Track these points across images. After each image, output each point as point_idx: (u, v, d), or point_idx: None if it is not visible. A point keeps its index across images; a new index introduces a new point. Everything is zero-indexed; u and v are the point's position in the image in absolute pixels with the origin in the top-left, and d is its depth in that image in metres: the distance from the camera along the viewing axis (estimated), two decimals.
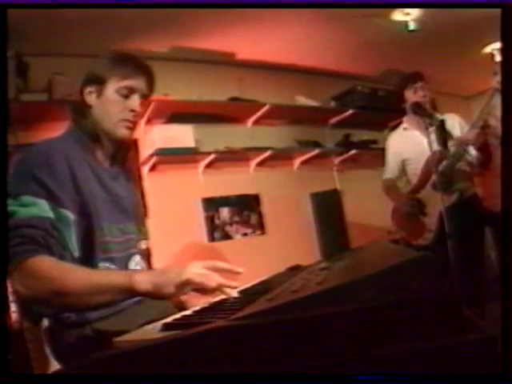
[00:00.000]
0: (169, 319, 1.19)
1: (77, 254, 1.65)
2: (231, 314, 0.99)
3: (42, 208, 1.57)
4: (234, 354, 0.79)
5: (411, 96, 3.93)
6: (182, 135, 4.64)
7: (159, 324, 1.10)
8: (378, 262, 1.23)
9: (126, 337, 1.06)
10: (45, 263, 1.51)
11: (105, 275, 1.57)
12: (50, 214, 1.58)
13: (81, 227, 1.68)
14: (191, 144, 4.69)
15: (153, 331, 1.07)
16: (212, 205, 4.99)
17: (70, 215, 1.64)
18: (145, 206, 4.22)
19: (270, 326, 0.80)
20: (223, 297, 1.50)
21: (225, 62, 5.22)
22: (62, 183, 1.64)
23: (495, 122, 3.39)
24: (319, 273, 1.36)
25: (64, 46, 4.10)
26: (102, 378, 0.86)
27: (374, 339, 0.76)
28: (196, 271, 1.46)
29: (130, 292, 1.49)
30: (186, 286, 1.45)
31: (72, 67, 4.02)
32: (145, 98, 1.90)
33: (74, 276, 1.52)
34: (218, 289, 1.48)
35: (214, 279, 1.46)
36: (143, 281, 1.47)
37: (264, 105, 5.13)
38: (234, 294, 1.45)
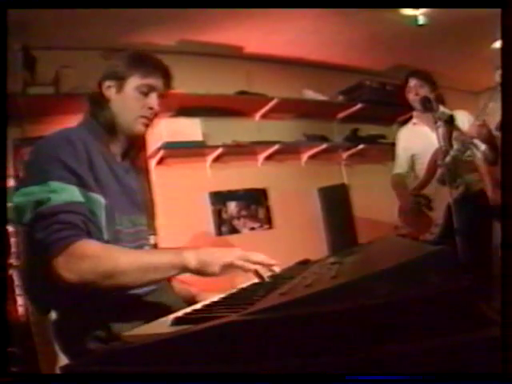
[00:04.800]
0: (179, 313, 1.17)
1: (106, 237, 1.67)
2: (243, 308, 0.97)
3: (74, 193, 1.59)
4: (246, 350, 0.77)
5: (411, 95, 3.99)
6: (190, 129, 4.63)
7: (169, 318, 1.08)
8: (392, 257, 1.21)
9: (135, 331, 1.05)
10: (92, 246, 1.55)
11: (155, 254, 1.71)
12: (82, 199, 1.60)
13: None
14: (199, 137, 4.68)
15: (163, 325, 1.05)
16: (219, 199, 4.98)
17: (102, 199, 1.67)
18: (152, 200, 4.22)
19: (284, 321, 0.78)
20: (233, 291, 1.52)
21: (233, 55, 5.20)
22: (85, 167, 1.65)
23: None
24: (331, 267, 1.34)
25: (71, 39, 4.09)
26: (109, 376, 0.84)
27: (389, 336, 0.74)
28: (238, 255, 1.59)
29: (182, 268, 1.58)
30: (228, 267, 1.57)
31: (79, 60, 4.05)
32: (161, 97, 1.94)
33: (125, 256, 1.58)
34: (255, 273, 1.61)
35: (253, 265, 1.59)
36: (192, 258, 1.57)
37: (272, 99, 5.11)
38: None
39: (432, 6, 4.18)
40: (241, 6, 3.51)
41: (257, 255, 1.63)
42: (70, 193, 1.58)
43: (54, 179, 1.58)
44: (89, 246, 1.54)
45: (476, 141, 3.64)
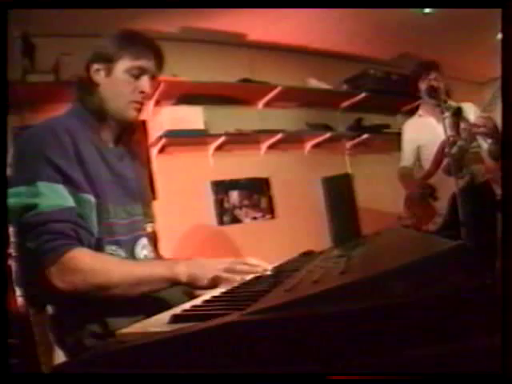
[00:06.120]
0: (177, 310, 1.12)
1: (97, 234, 1.64)
2: (245, 305, 0.93)
3: (62, 195, 1.55)
4: (249, 353, 0.72)
5: (424, 86, 3.94)
6: (192, 117, 4.58)
7: (167, 315, 1.03)
8: (403, 251, 1.16)
9: (131, 328, 1.00)
10: (85, 257, 1.53)
11: (147, 267, 1.63)
12: (71, 202, 1.56)
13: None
14: (201, 126, 4.63)
15: (160, 323, 1.00)
16: (221, 188, 4.94)
17: (92, 198, 1.63)
18: (153, 189, 4.18)
19: (290, 322, 0.73)
20: (235, 285, 1.48)
21: (236, 43, 5.16)
22: (73, 163, 1.60)
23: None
24: (338, 260, 1.30)
25: (71, 26, 4.04)
26: (105, 376, 0.80)
27: (407, 339, 0.69)
28: (223, 267, 1.55)
29: (172, 282, 1.57)
30: (215, 281, 1.53)
31: (80, 48, 3.97)
32: (153, 78, 1.88)
33: (118, 269, 1.56)
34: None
35: (238, 277, 1.53)
36: (182, 272, 1.55)
37: (275, 87, 5.06)
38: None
39: (432, 5, 4.15)
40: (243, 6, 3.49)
41: (249, 260, 1.61)
42: (58, 196, 1.54)
43: (41, 179, 1.54)
44: (82, 258, 1.52)
45: (481, 136, 3.61)
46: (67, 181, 1.56)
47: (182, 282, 1.55)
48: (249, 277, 1.54)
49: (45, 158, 1.55)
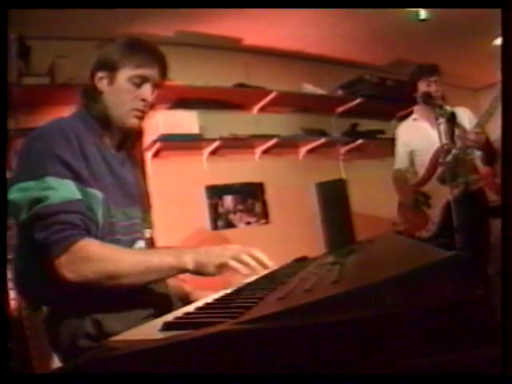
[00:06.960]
0: (169, 317, 1.11)
1: (101, 232, 1.64)
2: (239, 313, 0.92)
3: (71, 189, 1.56)
4: (242, 362, 0.72)
5: (424, 88, 3.90)
6: (187, 121, 4.60)
7: (159, 322, 1.02)
8: (396, 260, 1.16)
9: (123, 336, 0.99)
10: (95, 246, 1.54)
11: (156, 255, 1.63)
12: (79, 196, 1.57)
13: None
14: (196, 130, 4.65)
15: (152, 331, 0.99)
16: (216, 192, 4.94)
17: (99, 194, 1.64)
18: (147, 192, 4.18)
19: (284, 332, 0.73)
20: (228, 291, 1.49)
21: (231, 47, 5.17)
22: (80, 160, 1.62)
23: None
24: (331, 268, 1.30)
25: (67, 30, 4.04)
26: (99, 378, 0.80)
27: (400, 349, 0.68)
28: (233, 254, 1.58)
29: (180, 270, 1.60)
30: (222, 268, 1.58)
31: (75, 51, 4.01)
32: (156, 87, 1.87)
33: (128, 257, 1.58)
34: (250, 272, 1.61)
35: (246, 269, 1.58)
36: (190, 260, 1.57)
37: (270, 92, 5.08)
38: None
39: (432, 6, 4.16)
40: (240, 6, 3.48)
41: (254, 252, 1.61)
42: (67, 189, 1.55)
43: (50, 175, 1.54)
44: (92, 247, 1.53)
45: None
46: (75, 177, 1.58)
47: (190, 270, 1.57)
48: (250, 277, 1.60)
49: (54, 154, 1.57)
